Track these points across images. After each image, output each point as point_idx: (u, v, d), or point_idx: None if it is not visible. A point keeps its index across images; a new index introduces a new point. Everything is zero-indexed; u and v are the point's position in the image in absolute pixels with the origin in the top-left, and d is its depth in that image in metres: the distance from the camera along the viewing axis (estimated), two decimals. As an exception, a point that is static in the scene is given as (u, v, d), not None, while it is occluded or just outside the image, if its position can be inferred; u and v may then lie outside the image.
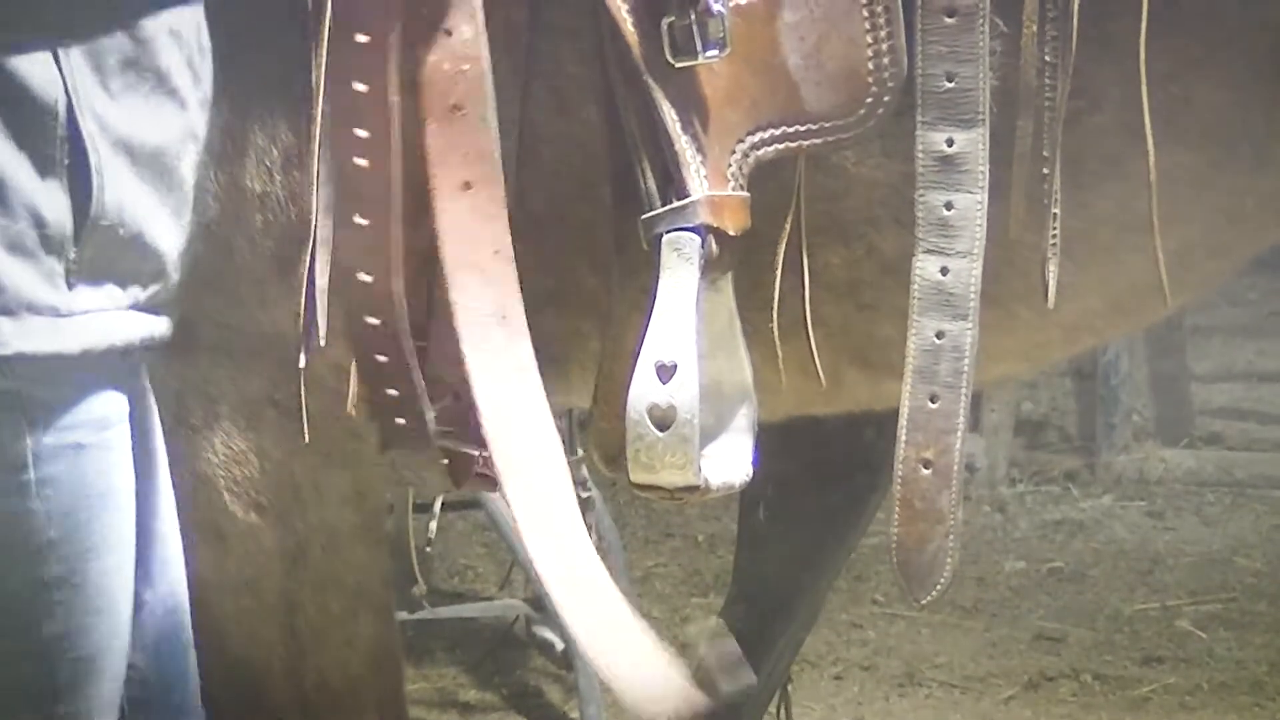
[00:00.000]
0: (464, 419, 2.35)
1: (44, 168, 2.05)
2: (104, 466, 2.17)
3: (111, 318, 2.13)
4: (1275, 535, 5.79)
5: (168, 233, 2.15)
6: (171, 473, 2.45)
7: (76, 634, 2.17)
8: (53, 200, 2.05)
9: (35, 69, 2.03)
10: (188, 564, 2.52)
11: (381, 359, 2.36)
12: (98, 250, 2.10)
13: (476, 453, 2.40)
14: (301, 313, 2.32)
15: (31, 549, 2.14)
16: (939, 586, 2.42)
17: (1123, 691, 4.79)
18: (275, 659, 2.54)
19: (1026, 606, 5.29)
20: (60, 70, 2.04)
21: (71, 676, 2.18)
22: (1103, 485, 6.10)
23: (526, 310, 2.43)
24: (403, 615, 2.89)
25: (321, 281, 2.31)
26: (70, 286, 2.09)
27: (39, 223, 2.05)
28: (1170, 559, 5.63)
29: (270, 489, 2.48)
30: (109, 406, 2.17)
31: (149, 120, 2.12)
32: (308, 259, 2.31)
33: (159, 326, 2.18)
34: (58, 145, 2.05)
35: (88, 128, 2.06)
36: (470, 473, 2.46)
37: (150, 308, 2.16)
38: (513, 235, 2.37)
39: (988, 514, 5.89)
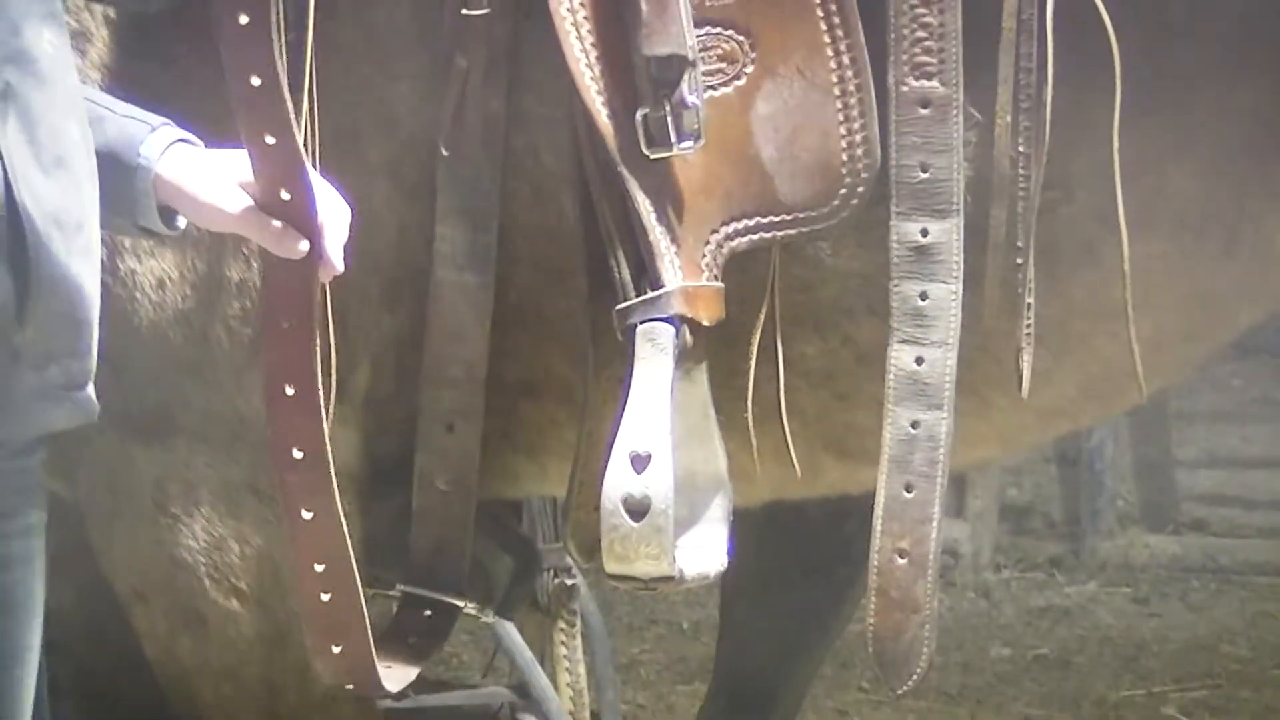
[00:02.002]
0: None
1: None
2: (24, 577, 2.13)
3: (55, 400, 2.08)
4: (1261, 621, 5.77)
5: (91, 307, 2.09)
6: (147, 559, 2.44)
7: None
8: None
9: None
10: (168, 651, 2.51)
11: None
12: (39, 330, 2.06)
13: None
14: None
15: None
16: (915, 676, 2.41)
17: (1109, 782, 4.79)
18: None
19: (1012, 693, 5.27)
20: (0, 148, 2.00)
21: None
22: (1088, 571, 6.08)
23: (501, 401, 2.43)
24: (386, 703, 2.85)
25: None
26: (16, 372, 2.04)
27: None
28: (1156, 645, 5.60)
29: (251, 575, 2.46)
30: (34, 515, 2.14)
31: (73, 194, 2.07)
32: None
33: (91, 406, 2.12)
34: (1, 226, 2.00)
35: (24, 204, 2.00)
36: None
37: (79, 385, 2.10)
38: (490, 325, 2.39)
39: (972, 600, 5.87)
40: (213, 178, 2.15)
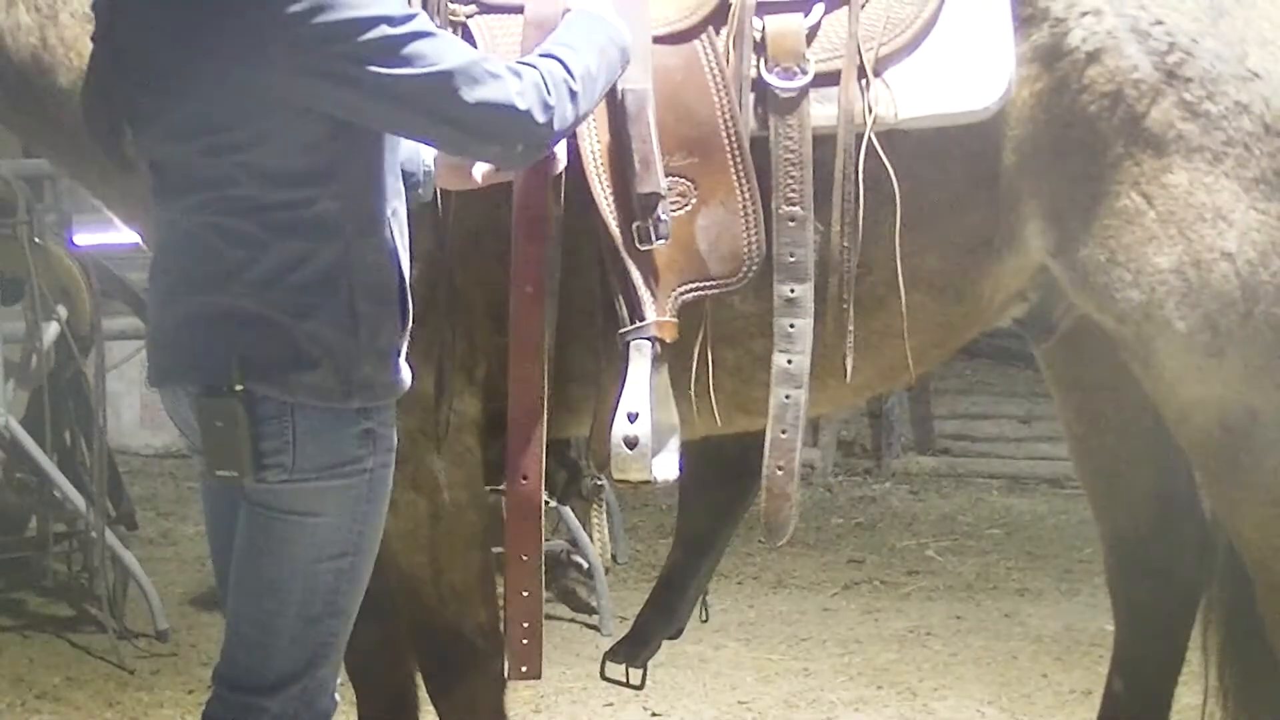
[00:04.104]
0: None
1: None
2: (389, 482, 2.06)
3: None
4: (980, 503, 5.76)
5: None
6: None
7: (358, 593, 2.08)
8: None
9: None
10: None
11: None
12: (407, 335, 2.06)
13: None
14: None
15: (364, 539, 2.03)
16: (787, 535, 2.38)
17: (896, 590, 4.76)
18: (425, 575, 2.42)
19: (843, 543, 5.26)
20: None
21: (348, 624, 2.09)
22: (885, 476, 6.06)
23: (558, 384, 2.34)
24: (496, 550, 2.81)
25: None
26: (399, 362, 2.05)
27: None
28: (922, 516, 5.59)
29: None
30: (394, 441, 2.07)
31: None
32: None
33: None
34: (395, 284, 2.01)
35: (405, 275, 2.03)
36: None
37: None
38: (553, 343, 2.30)
39: (821, 493, 5.85)
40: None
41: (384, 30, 1.84)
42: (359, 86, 1.85)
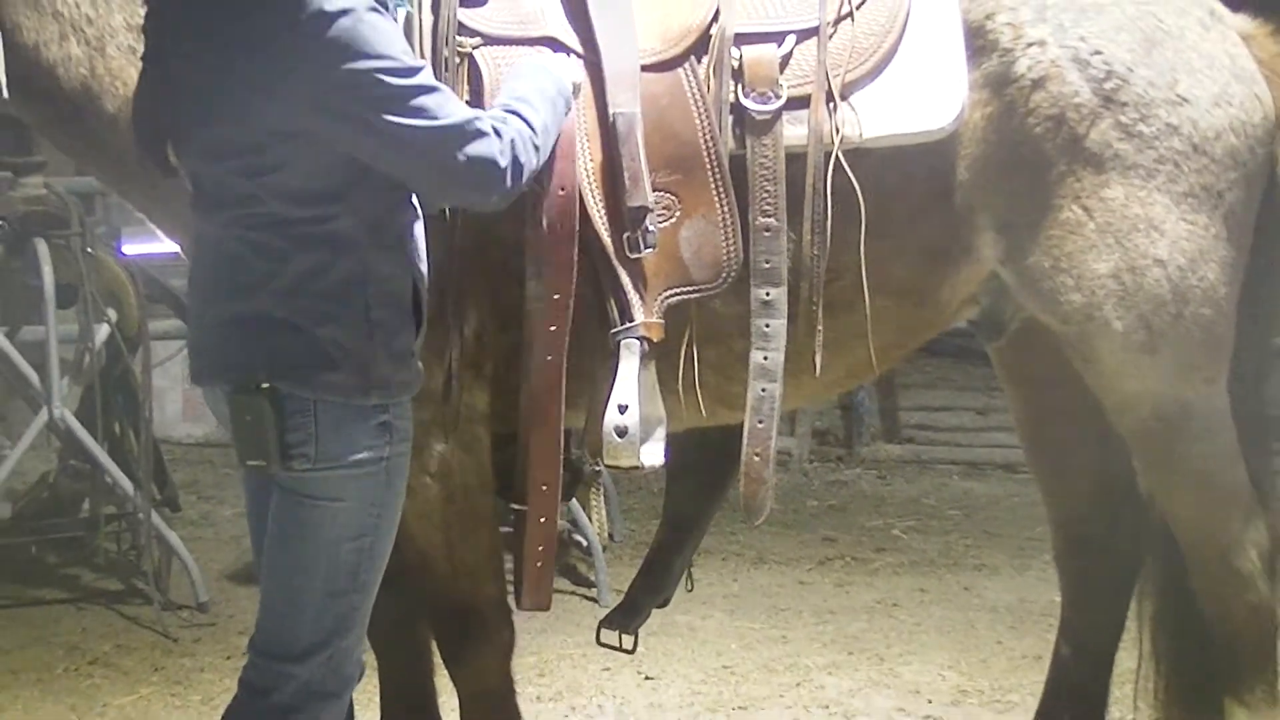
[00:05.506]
0: None
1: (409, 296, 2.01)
2: (406, 469, 2.07)
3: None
4: (939, 487, 5.75)
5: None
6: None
7: (378, 569, 2.08)
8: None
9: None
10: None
11: None
12: (420, 336, 2.05)
13: None
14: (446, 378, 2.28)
15: (382, 521, 2.03)
16: (764, 515, 2.38)
17: (865, 566, 4.74)
18: (439, 553, 2.42)
19: (818, 522, 5.24)
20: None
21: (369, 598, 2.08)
22: (855, 462, 6.02)
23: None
24: (504, 529, 2.78)
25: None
26: (414, 362, 2.04)
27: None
28: (889, 499, 5.57)
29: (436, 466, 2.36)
30: (410, 432, 2.07)
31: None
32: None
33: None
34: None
35: (420, 283, 2.03)
36: None
37: None
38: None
39: (798, 478, 5.83)
40: None
41: (395, 80, 1.86)
42: (367, 129, 1.87)
